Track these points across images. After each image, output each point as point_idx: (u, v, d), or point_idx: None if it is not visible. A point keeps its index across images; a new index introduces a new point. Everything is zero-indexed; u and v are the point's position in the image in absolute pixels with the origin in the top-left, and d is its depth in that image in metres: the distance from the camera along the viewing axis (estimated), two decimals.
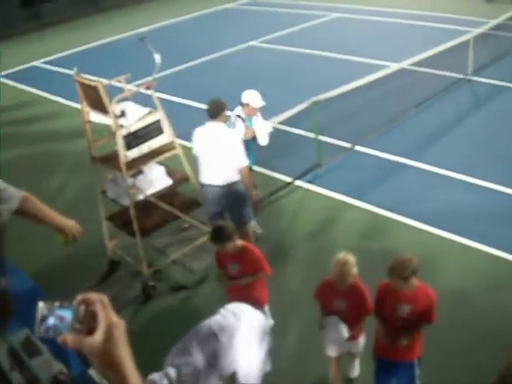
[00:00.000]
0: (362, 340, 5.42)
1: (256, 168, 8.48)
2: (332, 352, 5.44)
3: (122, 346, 1.53)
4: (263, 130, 7.81)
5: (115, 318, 1.56)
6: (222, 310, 5.19)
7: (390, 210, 8.44)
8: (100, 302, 1.55)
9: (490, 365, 3.61)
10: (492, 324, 6.28)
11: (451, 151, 10.00)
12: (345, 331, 5.12)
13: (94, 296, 1.57)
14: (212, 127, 7.02)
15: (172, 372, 4.58)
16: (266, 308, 6.07)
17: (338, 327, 5.13)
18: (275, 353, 5.38)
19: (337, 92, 10.22)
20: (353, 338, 5.24)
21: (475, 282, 7.02)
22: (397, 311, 4.84)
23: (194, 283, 7.40)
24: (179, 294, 7.28)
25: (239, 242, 5.81)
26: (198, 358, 4.73)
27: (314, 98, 9.53)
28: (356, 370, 5.81)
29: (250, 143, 7.65)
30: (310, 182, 9.29)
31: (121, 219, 7.35)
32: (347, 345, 5.34)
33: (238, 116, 7.59)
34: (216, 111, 6.98)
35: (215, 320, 5.03)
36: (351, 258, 4.99)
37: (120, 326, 1.55)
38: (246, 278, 5.85)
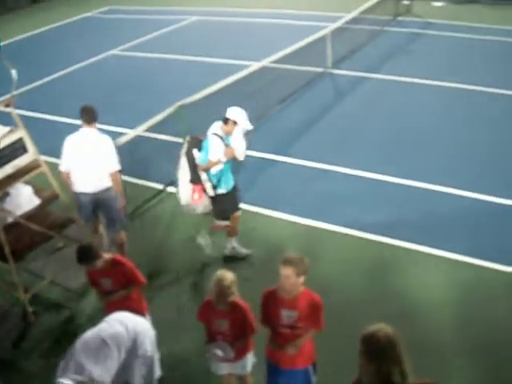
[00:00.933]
0: (250, 358, 5.30)
1: (126, 178, 8.40)
2: (221, 370, 5.37)
3: None
4: (241, 148, 7.34)
5: None
6: (106, 320, 5.11)
7: (264, 206, 8.65)
8: None
9: None
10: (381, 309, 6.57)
11: (319, 143, 10.35)
12: (229, 352, 4.96)
13: None
14: (86, 133, 6.93)
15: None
16: (147, 318, 5.87)
17: (223, 350, 4.97)
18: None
19: (201, 94, 10.29)
20: (238, 356, 5.12)
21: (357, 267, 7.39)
22: (282, 318, 4.77)
23: (74, 302, 7.23)
24: (60, 314, 7.09)
25: (108, 257, 5.67)
26: (94, 370, 4.66)
27: (179, 102, 9.54)
28: None
29: (228, 164, 7.31)
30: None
31: None
32: (234, 366, 5.25)
33: (215, 134, 7.15)
34: (92, 117, 6.94)
35: (102, 328, 4.95)
36: (229, 276, 4.82)
37: None
38: (120, 291, 5.71)
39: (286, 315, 4.75)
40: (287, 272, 4.56)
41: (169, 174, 9.22)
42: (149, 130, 9.38)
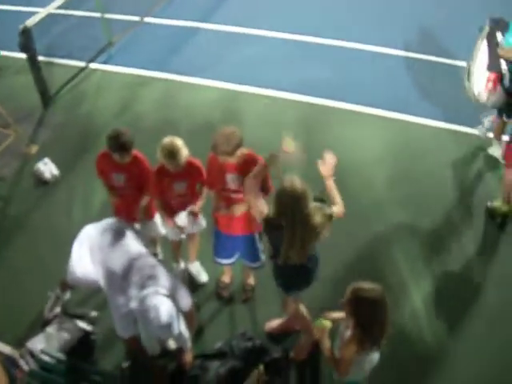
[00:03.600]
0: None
1: (44, 58, 8.04)
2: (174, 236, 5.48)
3: None
4: None
5: None
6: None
7: (190, 74, 8.49)
8: None
9: None
10: None
11: (240, 7, 10.07)
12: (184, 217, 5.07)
13: None
14: None
15: None
16: (156, 219, 5.63)
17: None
18: None
19: None
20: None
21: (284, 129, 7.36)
22: (227, 182, 4.79)
23: (7, 190, 7.07)
24: None
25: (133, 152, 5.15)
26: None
27: None
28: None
29: None
30: (104, 62, 8.96)
31: None
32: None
33: None
34: None
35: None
36: (178, 141, 4.78)
37: None
38: (132, 189, 5.28)
39: (231, 179, 4.77)
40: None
41: (88, 50, 8.89)
42: (61, 6, 8.83)
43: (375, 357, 3.92)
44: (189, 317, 4.61)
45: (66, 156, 7.28)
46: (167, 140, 4.79)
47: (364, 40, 8.80)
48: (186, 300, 4.48)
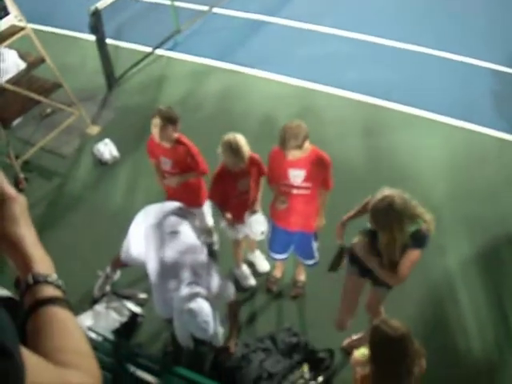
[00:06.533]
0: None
1: (111, 41, 8.13)
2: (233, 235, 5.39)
3: (23, 224, 1.34)
4: None
5: (13, 193, 1.36)
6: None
7: (254, 67, 8.46)
8: None
9: None
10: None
11: (308, 4, 9.99)
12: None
13: None
14: None
15: None
16: (205, 207, 5.58)
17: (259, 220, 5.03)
18: None
19: None
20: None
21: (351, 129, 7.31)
22: (290, 177, 4.71)
23: (66, 169, 7.18)
24: (52, 181, 7.06)
25: (176, 135, 5.11)
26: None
27: None
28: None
29: None
30: (170, 49, 9.02)
31: None
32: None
33: None
34: None
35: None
36: (240, 137, 4.72)
37: (19, 201, 1.36)
38: (179, 175, 5.23)
39: (293, 175, 4.68)
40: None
41: (156, 36, 8.96)
42: None
43: None
44: (231, 313, 4.66)
45: (127, 139, 7.35)
46: (230, 136, 4.73)
47: (434, 45, 8.59)
48: (230, 296, 4.55)
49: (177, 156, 5.14)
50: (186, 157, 5.12)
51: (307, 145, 4.49)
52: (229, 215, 5.00)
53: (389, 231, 3.83)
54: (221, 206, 5.09)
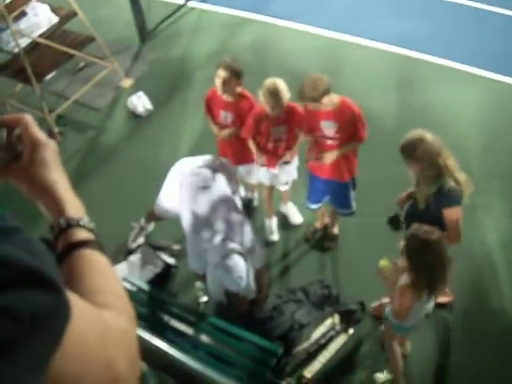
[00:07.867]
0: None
1: None
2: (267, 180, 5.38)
3: (54, 169, 1.30)
4: None
5: (43, 138, 1.31)
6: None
7: (288, 19, 8.31)
8: (22, 122, 1.29)
9: None
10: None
11: None
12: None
13: (13, 117, 1.30)
14: None
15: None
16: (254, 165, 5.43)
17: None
18: None
19: None
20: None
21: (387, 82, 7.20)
22: (322, 129, 4.71)
23: (100, 122, 7.23)
24: (86, 134, 7.12)
25: (239, 89, 5.06)
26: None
27: None
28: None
29: None
30: (203, 1, 8.89)
31: (13, 69, 6.89)
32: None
33: None
34: None
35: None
36: (281, 83, 4.71)
37: (50, 146, 1.31)
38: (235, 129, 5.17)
39: (325, 126, 4.69)
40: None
41: None
42: None
43: (430, 305, 3.96)
44: (260, 275, 4.69)
45: (160, 92, 7.34)
46: (270, 80, 4.73)
47: None
48: (259, 260, 4.59)
49: (239, 110, 5.10)
50: (248, 111, 5.07)
51: (327, 99, 4.48)
52: (262, 157, 5.06)
53: (417, 160, 3.96)
54: (255, 145, 5.10)
